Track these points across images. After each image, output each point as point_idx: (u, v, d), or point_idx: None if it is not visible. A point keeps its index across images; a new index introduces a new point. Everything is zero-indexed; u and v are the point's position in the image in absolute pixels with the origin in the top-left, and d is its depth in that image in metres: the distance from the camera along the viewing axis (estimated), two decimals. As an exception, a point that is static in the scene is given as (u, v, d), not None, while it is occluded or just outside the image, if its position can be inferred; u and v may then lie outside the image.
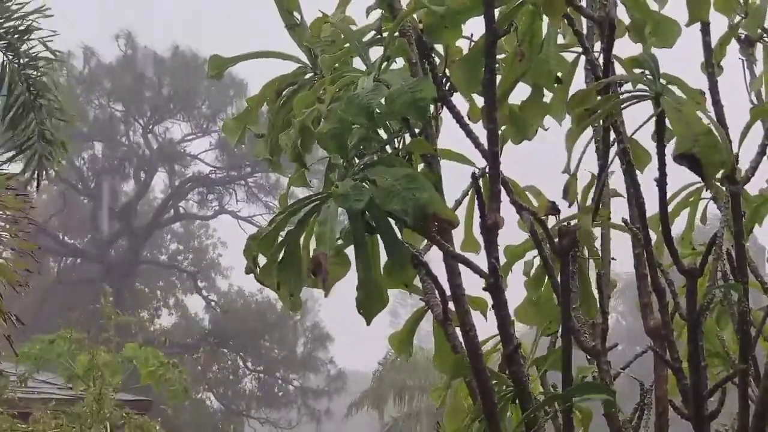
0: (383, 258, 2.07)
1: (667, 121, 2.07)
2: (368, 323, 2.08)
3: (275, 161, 2.54)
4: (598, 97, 2.24)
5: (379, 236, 2.04)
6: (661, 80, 2.08)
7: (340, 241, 2.03)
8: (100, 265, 40.12)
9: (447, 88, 2.41)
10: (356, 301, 2.06)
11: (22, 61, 9.98)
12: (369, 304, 2.06)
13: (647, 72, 2.13)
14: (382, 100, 2.00)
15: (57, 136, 10.36)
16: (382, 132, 2.21)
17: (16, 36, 9.81)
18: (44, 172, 10.46)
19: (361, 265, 2.03)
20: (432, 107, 2.34)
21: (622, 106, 2.22)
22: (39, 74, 10.06)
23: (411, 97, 1.98)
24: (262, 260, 2.13)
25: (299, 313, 39.79)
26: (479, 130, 2.34)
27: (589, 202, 2.52)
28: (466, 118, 2.44)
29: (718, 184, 2.66)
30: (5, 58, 10.02)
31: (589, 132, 2.41)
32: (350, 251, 2.05)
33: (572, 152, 2.23)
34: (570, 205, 2.55)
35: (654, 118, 2.10)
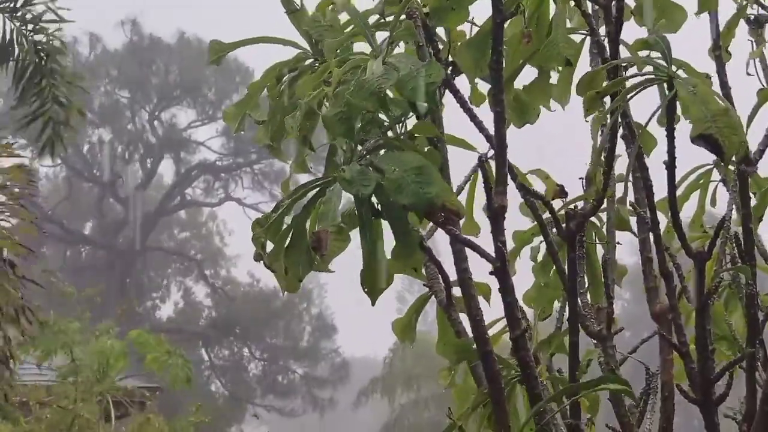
0: (386, 237, 2.07)
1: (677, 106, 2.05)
2: (373, 303, 2.08)
3: (275, 147, 2.54)
4: (606, 81, 2.22)
5: (385, 218, 2.04)
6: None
7: (342, 224, 2.03)
8: (107, 252, 40.23)
9: (450, 72, 2.40)
10: (360, 279, 2.05)
11: (29, 27, 9.88)
12: (373, 282, 2.06)
13: (654, 55, 2.12)
14: (392, 84, 1.99)
15: (72, 102, 10.16)
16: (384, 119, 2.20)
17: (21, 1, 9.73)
18: (61, 142, 10.23)
19: (366, 245, 2.02)
20: (437, 91, 2.33)
21: (634, 90, 2.20)
22: (49, 39, 9.93)
23: (420, 81, 1.97)
24: (269, 246, 2.13)
25: (305, 301, 40.02)
26: (482, 115, 2.34)
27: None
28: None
29: (730, 166, 2.65)
30: (12, 25, 9.90)
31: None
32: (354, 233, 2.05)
33: (598, 138, 2.22)
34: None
35: (664, 102, 2.08)
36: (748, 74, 2.80)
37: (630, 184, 2.53)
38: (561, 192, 2.52)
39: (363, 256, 2.04)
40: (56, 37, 10.04)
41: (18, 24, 9.83)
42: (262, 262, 2.13)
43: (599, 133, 2.22)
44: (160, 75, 41.00)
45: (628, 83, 2.14)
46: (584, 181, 2.48)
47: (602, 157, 2.27)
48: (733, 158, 2.11)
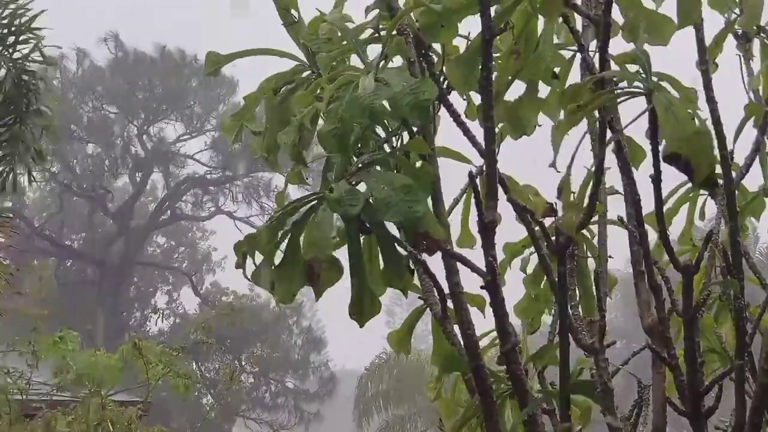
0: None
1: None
2: (361, 326, 2.10)
3: (271, 159, 2.53)
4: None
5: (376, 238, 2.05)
6: (653, 78, 2.08)
7: (336, 239, 2.04)
8: (97, 266, 40.06)
9: (444, 86, 2.41)
10: (349, 307, 2.07)
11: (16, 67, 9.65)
12: (361, 311, 2.08)
13: (641, 69, 2.13)
14: (385, 101, 2.00)
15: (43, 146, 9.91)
16: (380, 130, 2.21)
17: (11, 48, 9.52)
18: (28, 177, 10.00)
19: (355, 272, 2.04)
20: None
21: (615, 102, 2.21)
22: (35, 80, 9.70)
23: (414, 98, 1.98)
24: (256, 259, 2.13)
25: (295, 314, 39.91)
26: (477, 128, 2.34)
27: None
28: (463, 116, 2.44)
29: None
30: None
31: (583, 128, 2.41)
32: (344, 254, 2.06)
33: (559, 147, 2.23)
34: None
35: (647, 115, 2.10)
36: (749, 98, 2.81)
37: (612, 197, 2.54)
38: (550, 210, 2.52)
39: (351, 283, 2.06)
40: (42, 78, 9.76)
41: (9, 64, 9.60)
42: (242, 273, 2.14)
43: (560, 141, 2.22)
44: (146, 89, 40.84)
45: (610, 96, 2.16)
46: (557, 191, 2.50)
47: (570, 168, 2.27)
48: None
